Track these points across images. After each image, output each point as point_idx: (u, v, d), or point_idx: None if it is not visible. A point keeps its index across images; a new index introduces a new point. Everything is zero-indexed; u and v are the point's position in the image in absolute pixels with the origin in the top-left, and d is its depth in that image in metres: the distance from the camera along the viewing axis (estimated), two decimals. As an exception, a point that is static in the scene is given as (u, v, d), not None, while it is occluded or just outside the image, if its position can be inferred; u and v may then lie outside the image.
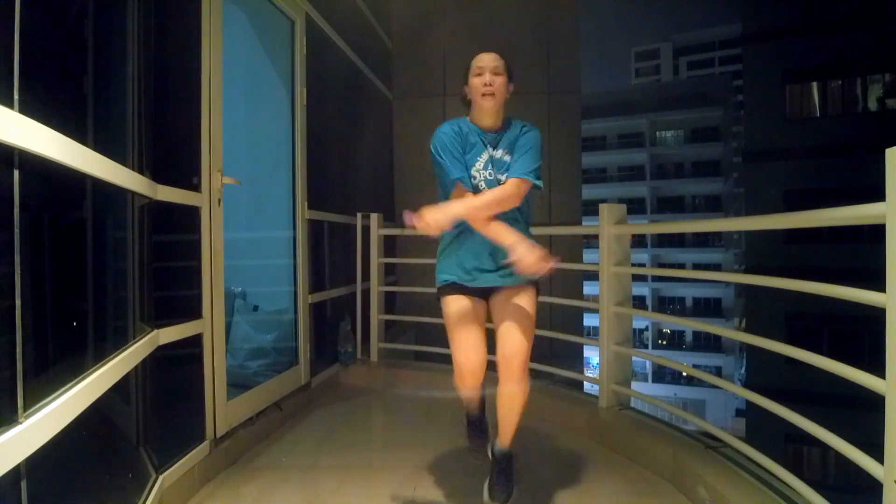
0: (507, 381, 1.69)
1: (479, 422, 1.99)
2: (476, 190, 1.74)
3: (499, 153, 1.77)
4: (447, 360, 1.92)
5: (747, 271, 11.99)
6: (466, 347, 1.72)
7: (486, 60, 1.73)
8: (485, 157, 1.76)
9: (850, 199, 1.48)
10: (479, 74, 1.73)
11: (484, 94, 1.72)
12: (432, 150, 1.76)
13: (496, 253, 1.74)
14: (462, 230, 1.81)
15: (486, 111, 1.75)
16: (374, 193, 4.85)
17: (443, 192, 1.79)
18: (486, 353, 1.75)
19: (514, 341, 1.68)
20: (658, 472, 2.24)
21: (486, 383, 1.85)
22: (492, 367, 1.74)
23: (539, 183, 1.74)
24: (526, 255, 1.53)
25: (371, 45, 4.89)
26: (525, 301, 1.76)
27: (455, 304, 1.78)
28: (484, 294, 1.82)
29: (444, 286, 1.83)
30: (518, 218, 1.79)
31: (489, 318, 1.83)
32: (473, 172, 1.75)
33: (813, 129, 11.17)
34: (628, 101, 32.20)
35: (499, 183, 1.74)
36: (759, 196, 11.44)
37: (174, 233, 2.08)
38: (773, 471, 1.80)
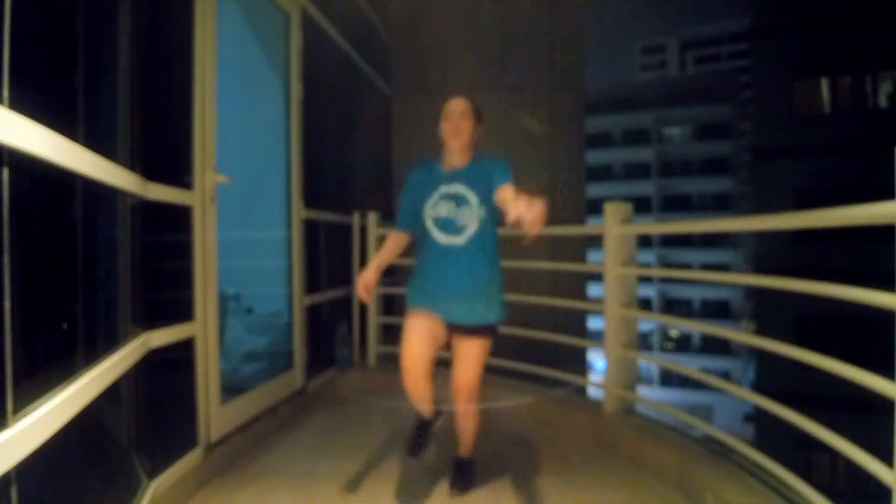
0: (458, 403, 2.00)
1: (423, 428, 2.03)
2: (423, 226, 1.97)
3: (457, 188, 1.95)
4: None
5: (756, 272, 11.89)
6: (412, 341, 1.90)
7: (454, 106, 1.97)
8: (438, 194, 1.96)
9: (863, 198, 1.47)
10: (447, 120, 1.96)
11: (451, 136, 1.95)
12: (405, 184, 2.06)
13: (466, 285, 1.92)
14: (435, 257, 1.96)
15: (454, 151, 1.97)
16: (372, 192, 4.81)
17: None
18: (432, 356, 1.92)
19: (464, 379, 1.98)
20: (664, 479, 2.20)
21: (437, 386, 1.98)
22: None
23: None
24: (524, 212, 1.53)
25: (369, 40, 4.85)
26: (479, 348, 1.98)
27: (415, 314, 1.96)
28: (447, 322, 1.97)
29: (412, 305, 2.01)
30: (483, 251, 1.95)
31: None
32: (427, 209, 1.96)
33: (823, 126, 11.04)
34: (633, 97, 31.99)
35: (453, 219, 1.92)
36: (769, 194, 11.33)
37: (166, 232, 2.06)
38: (783, 477, 1.77)
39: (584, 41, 5.73)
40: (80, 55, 1.39)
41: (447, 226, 1.93)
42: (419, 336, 1.90)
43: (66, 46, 1.34)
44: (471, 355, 1.98)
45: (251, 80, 3.17)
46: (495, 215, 1.94)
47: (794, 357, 1.72)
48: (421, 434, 2.01)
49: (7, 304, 0.97)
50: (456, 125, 1.94)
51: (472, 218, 1.92)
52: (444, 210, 1.93)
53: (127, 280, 1.68)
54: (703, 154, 30.64)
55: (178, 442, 2.05)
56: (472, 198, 1.93)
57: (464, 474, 2.13)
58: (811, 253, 10.01)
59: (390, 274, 4.70)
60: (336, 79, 3.95)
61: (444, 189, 1.95)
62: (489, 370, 2.11)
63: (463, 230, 1.92)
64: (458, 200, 1.93)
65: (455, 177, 1.96)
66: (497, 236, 2.00)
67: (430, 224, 1.96)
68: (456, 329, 1.97)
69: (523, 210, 1.46)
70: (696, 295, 30.07)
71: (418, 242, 2.04)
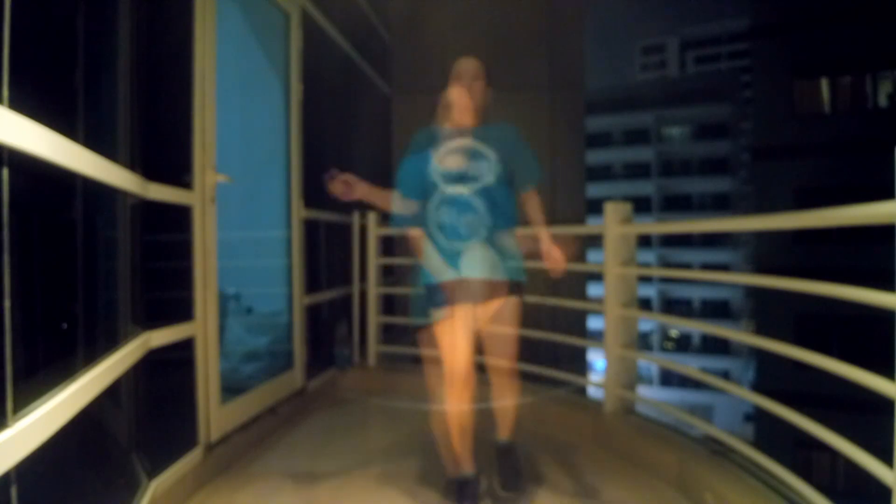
0: (496, 377, 1.92)
1: (468, 484, 1.85)
2: (428, 189, 1.86)
3: (475, 144, 1.87)
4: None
5: (756, 272, 11.89)
6: (457, 343, 1.82)
7: (465, 66, 1.89)
8: (446, 148, 1.86)
9: (863, 198, 1.47)
10: (458, 79, 1.88)
11: (462, 98, 1.86)
12: (406, 153, 1.94)
13: (478, 232, 1.84)
14: (443, 214, 1.85)
15: (464, 112, 1.88)
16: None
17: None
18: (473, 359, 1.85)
19: (502, 348, 1.91)
20: (664, 479, 2.19)
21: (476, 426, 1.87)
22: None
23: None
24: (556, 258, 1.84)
25: (369, 39, 4.85)
26: (511, 311, 1.91)
27: (450, 317, 1.85)
28: (473, 296, 1.86)
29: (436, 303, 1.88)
30: (495, 206, 1.88)
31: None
32: (433, 165, 1.85)
33: (823, 126, 11.04)
34: (633, 97, 31.98)
35: (464, 171, 1.83)
36: (769, 194, 11.33)
37: (166, 232, 2.05)
38: (782, 477, 1.76)
39: (583, 41, 5.73)
40: (79, 55, 1.38)
41: (457, 178, 1.82)
42: (463, 340, 1.77)
43: (66, 46, 1.34)
44: (508, 321, 1.86)
45: (251, 80, 3.17)
46: (512, 185, 1.90)
47: (794, 357, 1.71)
48: (468, 491, 1.81)
49: (7, 304, 0.97)
50: (468, 87, 1.86)
51: (488, 171, 1.82)
52: (455, 162, 1.83)
53: (127, 280, 1.68)
54: (703, 154, 30.63)
55: (178, 442, 2.04)
56: (490, 154, 1.84)
57: (512, 464, 1.92)
58: (811, 253, 10.01)
59: (390, 274, 4.71)
60: (336, 78, 3.94)
61: (454, 144, 1.85)
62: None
63: (474, 180, 1.82)
64: (473, 154, 1.83)
65: (467, 134, 1.86)
66: (515, 204, 1.92)
67: (436, 178, 1.84)
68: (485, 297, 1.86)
69: (556, 257, 1.81)
70: (696, 295, 30.06)
71: (426, 232, 1.91)
